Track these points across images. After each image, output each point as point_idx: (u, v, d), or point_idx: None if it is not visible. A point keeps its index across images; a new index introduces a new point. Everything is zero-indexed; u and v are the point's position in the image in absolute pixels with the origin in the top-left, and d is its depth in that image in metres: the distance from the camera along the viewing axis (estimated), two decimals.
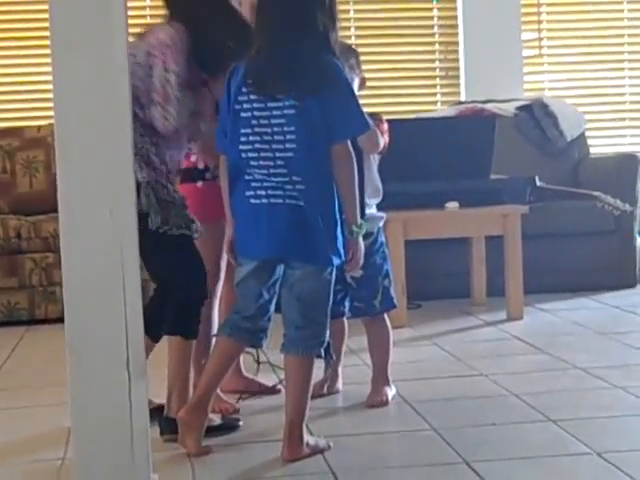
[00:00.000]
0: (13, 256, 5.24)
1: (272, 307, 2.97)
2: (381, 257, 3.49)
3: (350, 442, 3.06)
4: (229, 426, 3.19)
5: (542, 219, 5.22)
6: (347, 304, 3.50)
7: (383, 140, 3.43)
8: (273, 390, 3.63)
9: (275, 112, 2.80)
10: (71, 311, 2.29)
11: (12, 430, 3.31)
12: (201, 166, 3.37)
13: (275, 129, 2.80)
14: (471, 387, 3.62)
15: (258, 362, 3.78)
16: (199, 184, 3.37)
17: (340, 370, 3.61)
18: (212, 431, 3.03)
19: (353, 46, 3.60)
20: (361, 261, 2.93)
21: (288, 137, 2.80)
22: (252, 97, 2.82)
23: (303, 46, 2.80)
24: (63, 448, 2.98)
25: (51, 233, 5.20)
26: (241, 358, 3.58)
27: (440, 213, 4.81)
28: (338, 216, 2.87)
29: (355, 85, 3.40)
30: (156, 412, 3.02)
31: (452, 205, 4.81)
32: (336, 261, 2.89)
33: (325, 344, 2.95)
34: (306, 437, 2.90)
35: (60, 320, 4.83)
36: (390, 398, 3.44)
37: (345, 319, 3.55)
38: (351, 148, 2.87)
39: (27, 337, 4.93)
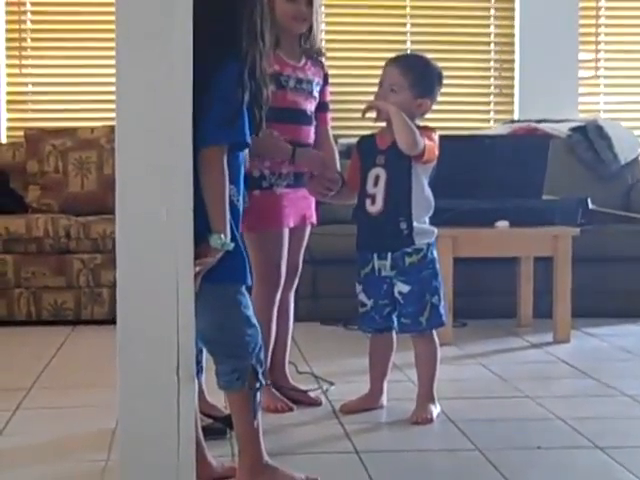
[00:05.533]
0: (61, 256, 5.27)
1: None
2: (430, 273, 3.43)
3: (393, 458, 3.03)
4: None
5: (593, 242, 5.16)
6: (395, 319, 3.48)
7: (423, 142, 3.29)
8: (315, 402, 3.62)
9: None
10: (123, 312, 2.28)
11: (56, 429, 3.31)
12: (256, 174, 3.34)
13: None
14: (516, 409, 3.58)
15: (298, 372, 3.81)
16: (256, 192, 3.31)
17: (385, 385, 3.58)
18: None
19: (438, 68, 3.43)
20: (197, 280, 2.39)
21: None
22: None
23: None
24: (107, 449, 2.99)
25: (100, 234, 5.22)
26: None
27: (490, 231, 4.77)
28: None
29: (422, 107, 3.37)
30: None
31: (502, 224, 4.77)
32: (220, 278, 2.49)
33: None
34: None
35: (105, 322, 4.98)
36: (435, 416, 3.41)
37: (394, 334, 3.53)
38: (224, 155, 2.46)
39: (72, 337, 4.96)
